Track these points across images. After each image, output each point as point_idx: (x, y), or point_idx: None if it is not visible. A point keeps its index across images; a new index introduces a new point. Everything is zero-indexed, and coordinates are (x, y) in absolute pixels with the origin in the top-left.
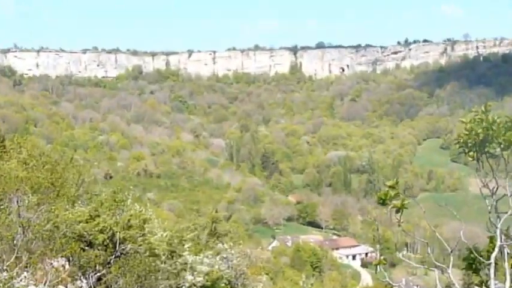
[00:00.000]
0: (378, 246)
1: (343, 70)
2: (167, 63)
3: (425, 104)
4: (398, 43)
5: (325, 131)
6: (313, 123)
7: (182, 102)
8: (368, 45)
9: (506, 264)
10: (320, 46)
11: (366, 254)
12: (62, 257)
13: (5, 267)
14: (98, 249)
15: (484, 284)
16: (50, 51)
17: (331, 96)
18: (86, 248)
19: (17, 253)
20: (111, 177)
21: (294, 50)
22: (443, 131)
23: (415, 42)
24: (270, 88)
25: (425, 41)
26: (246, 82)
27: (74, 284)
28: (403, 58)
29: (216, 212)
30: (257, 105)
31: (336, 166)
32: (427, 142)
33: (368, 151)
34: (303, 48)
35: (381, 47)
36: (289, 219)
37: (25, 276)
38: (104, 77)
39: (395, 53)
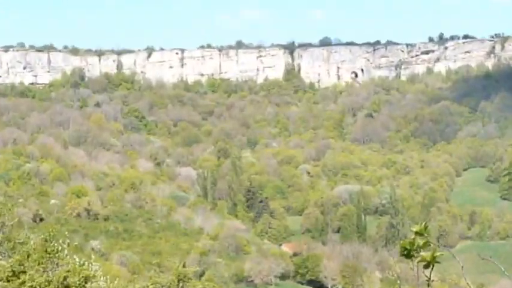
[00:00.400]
0: None
1: (356, 76)
2: (119, 66)
3: (467, 122)
4: (431, 40)
5: (331, 158)
6: (315, 146)
7: (139, 119)
8: (390, 43)
9: None
10: (325, 43)
11: None
12: None
13: None
14: None
15: None
16: None
17: (340, 110)
18: None
19: None
20: (41, 220)
21: (291, 48)
22: (491, 158)
23: (452, 38)
24: (257, 99)
25: (466, 37)
26: (225, 91)
27: None
28: (437, 60)
29: (184, 266)
30: (240, 122)
31: (346, 205)
32: (468, 173)
33: (390, 185)
34: (303, 45)
35: (407, 45)
36: (283, 277)
37: None
38: (32, 83)
39: (427, 52)
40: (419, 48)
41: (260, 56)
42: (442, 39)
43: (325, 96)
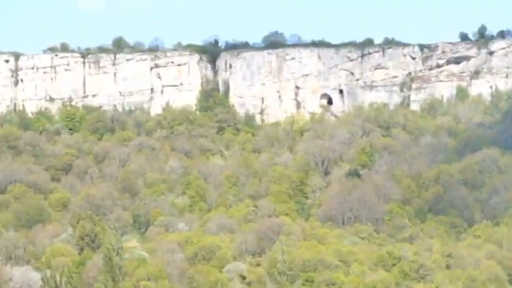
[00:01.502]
0: None
1: (330, 102)
2: None
3: None
4: (464, 38)
5: (285, 251)
6: (256, 230)
7: None
8: (390, 42)
9: None
10: (274, 44)
11: None
12: None
13: None
14: None
15: None
16: None
17: (301, 164)
18: None
19: None
20: None
21: (210, 51)
22: None
23: (503, 35)
24: (151, 144)
25: None
26: (94, 130)
27: None
28: (476, 73)
29: None
30: (120, 185)
31: None
32: None
33: None
34: (233, 47)
35: (422, 47)
36: None
37: None
38: None
39: (457, 60)
40: (444, 52)
41: (156, 66)
42: (484, 37)
43: (273, 138)
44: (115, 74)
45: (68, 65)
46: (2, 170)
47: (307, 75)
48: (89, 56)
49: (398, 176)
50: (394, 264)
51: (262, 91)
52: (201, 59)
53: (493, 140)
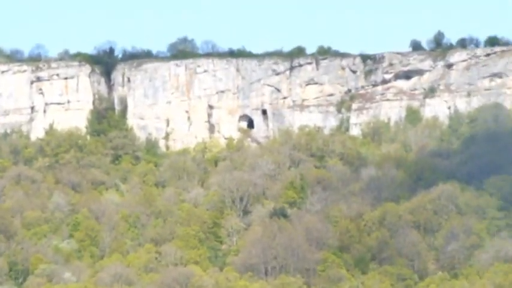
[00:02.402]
0: None
1: (251, 125)
2: None
3: (493, 228)
4: (416, 47)
5: None
6: (159, 281)
7: None
8: (325, 51)
9: None
10: (184, 53)
11: None
12: None
13: None
14: None
15: None
16: None
17: (214, 202)
18: None
19: None
20: None
21: (106, 61)
22: None
23: (463, 44)
24: (31, 175)
25: (493, 41)
26: None
27: None
28: (431, 91)
29: None
30: None
31: None
32: None
33: None
34: (132, 56)
35: (365, 57)
36: None
37: None
38: None
39: (407, 75)
40: (391, 64)
41: (38, 80)
42: (441, 47)
43: (180, 169)
44: None
45: None
46: None
47: (222, 91)
48: None
49: (334, 217)
50: None
51: (167, 111)
52: (92, 71)
53: (451, 173)
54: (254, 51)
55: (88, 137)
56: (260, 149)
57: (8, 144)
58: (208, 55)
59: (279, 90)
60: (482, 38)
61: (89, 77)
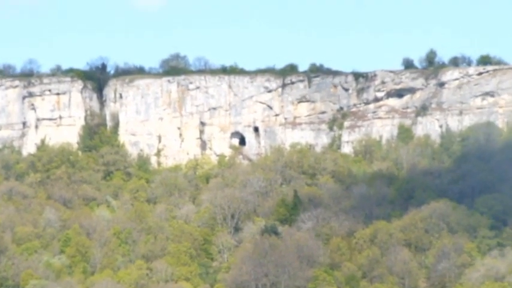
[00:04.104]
0: None
1: (243, 141)
2: None
3: (484, 248)
4: (408, 65)
5: None
6: None
7: None
8: (318, 69)
9: None
10: (176, 69)
11: None
12: None
13: None
14: None
15: None
16: None
17: (206, 219)
18: None
19: None
20: None
21: (98, 77)
22: None
23: (456, 63)
24: (22, 191)
25: (485, 61)
26: None
27: None
28: (422, 110)
29: None
30: None
31: None
32: None
33: None
34: (124, 73)
35: (357, 76)
36: None
37: None
38: None
39: (399, 93)
40: (384, 82)
41: (30, 95)
42: (433, 65)
43: (172, 186)
44: None
45: None
46: None
47: (214, 108)
48: None
49: (325, 235)
50: None
51: (159, 127)
52: (85, 86)
53: (443, 191)
54: (246, 68)
55: (80, 152)
56: (252, 166)
57: (0, 160)
58: (200, 72)
59: (271, 108)
60: (475, 56)
61: (81, 92)
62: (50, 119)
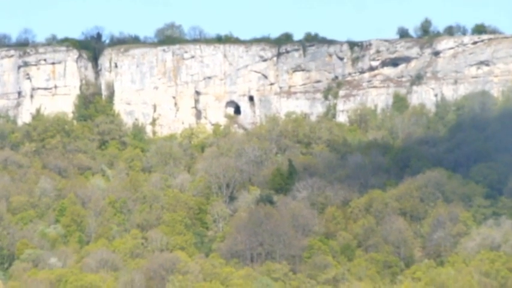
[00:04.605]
0: None
1: (238, 111)
2: None
3: (479, 216)
4: (403, 34)
5: None
6: (145, 268)
7: None
8: (313, 38)
9: None
10: (171, 39)
11: None
12: None
13: None
14: None
15: None
16: None
17: (201, 188)
18: None
19: None
20: None
21: (93, 46)
22: None
23: (450, 32)
24: (17, 160)
25: (480, 30)
26: None
27: None
28: (417, 79)
29: None
30: None
31: None
32: None
33: None
34: (119, 42)
35: (352, 44)
36: None
37: None
38: None
39: (394, 62)
40: (379, 51)
41: (25, 65)
42: (428, 34)
43: (167, 155)
44: None
45: None
46: None
47: (209, 78)
48: None
49: (320, 204)
50: None
51: (154, 97)
52: (80, 56)
53: (438, 160)
54: (241, 38)
55: (75, 122)
56: (247, 136)
57: None
58: (195, 41)
59: (266, 77)
60: (470, 25)
61: (76, 62)
62: (45, 89)
